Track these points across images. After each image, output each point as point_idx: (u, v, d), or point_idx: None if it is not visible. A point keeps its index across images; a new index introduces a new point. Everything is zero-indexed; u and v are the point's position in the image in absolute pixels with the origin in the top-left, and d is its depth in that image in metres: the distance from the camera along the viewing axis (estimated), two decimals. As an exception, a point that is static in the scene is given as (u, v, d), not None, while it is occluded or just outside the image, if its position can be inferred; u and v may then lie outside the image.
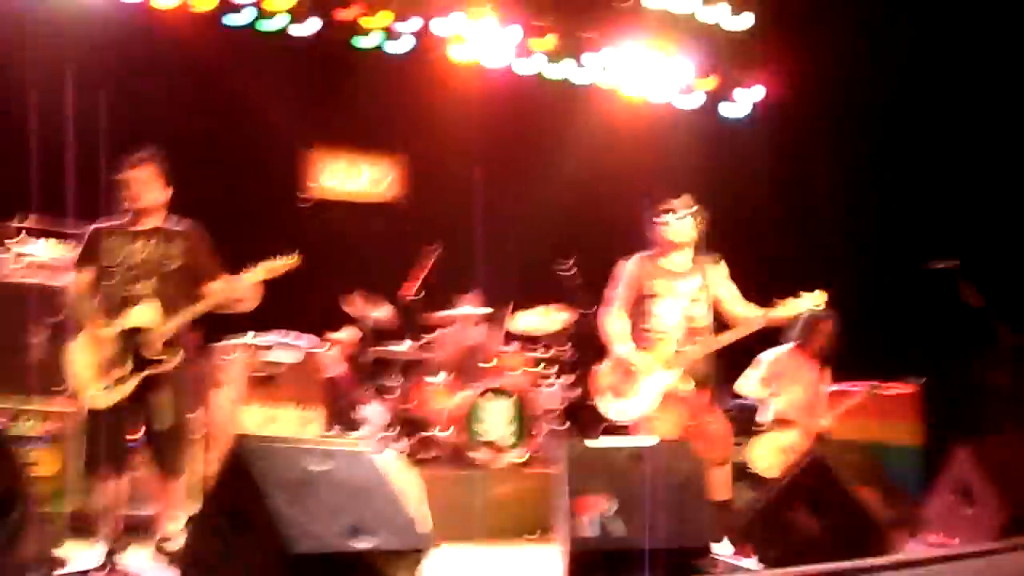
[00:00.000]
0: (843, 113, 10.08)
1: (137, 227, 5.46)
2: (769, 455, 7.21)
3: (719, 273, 6.14)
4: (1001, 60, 9.12)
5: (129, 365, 5.20)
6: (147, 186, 5.50)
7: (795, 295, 6.05)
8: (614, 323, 6.16)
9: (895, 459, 5.95)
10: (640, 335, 6.10)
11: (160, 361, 5.27)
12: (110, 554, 4.71)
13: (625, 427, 6.34)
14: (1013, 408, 7.24)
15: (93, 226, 5.63)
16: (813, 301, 6.04)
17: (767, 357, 7.46)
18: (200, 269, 5.56)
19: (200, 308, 5.46)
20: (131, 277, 5.34)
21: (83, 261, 5.56)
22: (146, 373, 5.25)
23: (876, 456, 5.69)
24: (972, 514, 5.64)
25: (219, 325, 6.01)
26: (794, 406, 7.37)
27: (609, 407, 6.10)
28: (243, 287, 5.45)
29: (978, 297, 7.23)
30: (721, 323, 6.13)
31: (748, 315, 6.06)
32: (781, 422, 7.32)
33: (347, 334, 8.11)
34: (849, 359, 7.66)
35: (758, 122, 11.14)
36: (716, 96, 11.15)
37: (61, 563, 4.60)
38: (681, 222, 6.06)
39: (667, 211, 6.10)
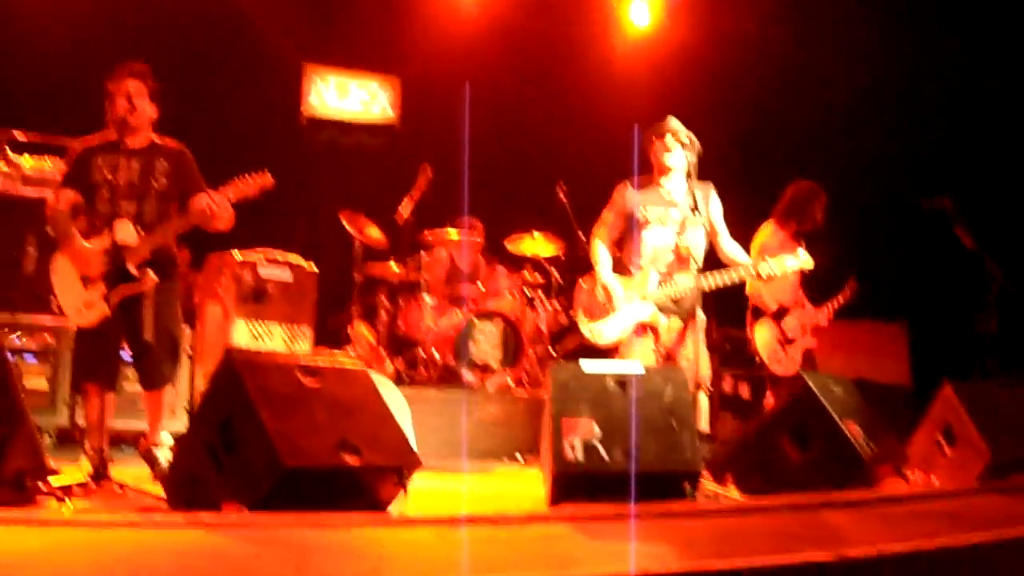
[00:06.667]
0: (837, 44, 9.99)
1: (125, 145, 5.32)
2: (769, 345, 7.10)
3: (713, 204, 6.10)
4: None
5: (111, 282, 5.17)
6: (136, 100, 5.40)
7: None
8: (600, 247, 6.15)
9: (881, 396, 5.97)
10: (629, 261, 6.09)
11: (142, 279, 5.23)
12: (97, 468, 4.71)
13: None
14: (999, 354, 7.24)
15: (81, 143, 5.54)
16: (800, 263, 5.98)
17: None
18: (185, 190, 5.48)
19: (178, 225, 5.39)
20: (116, 195, 5.28)
21: (68, 179, 5.47)
22: (127, 290, 5.22)
23: (863, 391, 5.68)
24: (952, 456, 5.68)
25: (212, 241, 5.95)
26: (784, 291, 7.16)
27: (584, 326, 6.10)
28: (220, 205, 5.34)
29: (972, 239, 7.19)
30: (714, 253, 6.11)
31: (733, 256, 6.04)
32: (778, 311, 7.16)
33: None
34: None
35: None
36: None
37: (53, 472, 4.59)
38: (675, 147, 6.01)
39: (661, 135, 6.05)
